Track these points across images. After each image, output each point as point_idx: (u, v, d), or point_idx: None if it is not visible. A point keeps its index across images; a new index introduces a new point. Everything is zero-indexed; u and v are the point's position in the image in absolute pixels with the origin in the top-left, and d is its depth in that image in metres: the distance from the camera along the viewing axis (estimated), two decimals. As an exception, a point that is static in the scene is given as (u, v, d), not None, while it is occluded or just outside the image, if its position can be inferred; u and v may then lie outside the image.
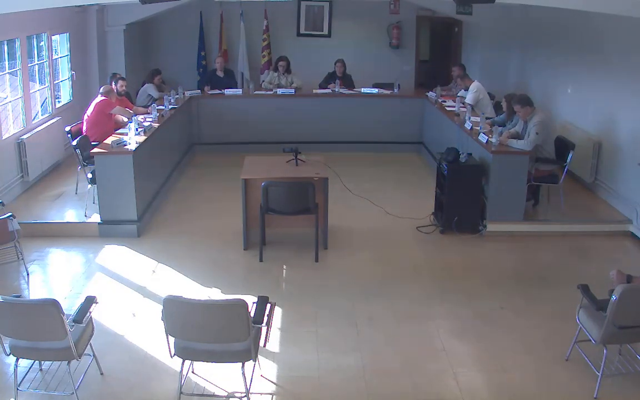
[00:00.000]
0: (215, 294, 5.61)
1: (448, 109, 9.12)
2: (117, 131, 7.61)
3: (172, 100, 9.11)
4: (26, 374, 4.30)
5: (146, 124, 7.71)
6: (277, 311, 5.10)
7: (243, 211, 6.42)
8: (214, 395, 4.27)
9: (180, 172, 9.06)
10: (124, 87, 8.82)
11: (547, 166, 7.26)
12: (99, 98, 7.91)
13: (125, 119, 7.89)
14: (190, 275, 5.95)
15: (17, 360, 4.07)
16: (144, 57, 11.96)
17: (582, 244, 6.79)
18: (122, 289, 5.73)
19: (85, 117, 7.93)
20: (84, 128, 7.88)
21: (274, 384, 4.38)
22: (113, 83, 8.71)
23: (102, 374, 4.40)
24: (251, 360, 4.00)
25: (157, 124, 8.02)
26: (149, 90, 9.85)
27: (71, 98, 9.79)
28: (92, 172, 6.98)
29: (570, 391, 4.31)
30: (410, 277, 6.02)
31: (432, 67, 13.58)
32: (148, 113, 8.40)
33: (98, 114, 7.82)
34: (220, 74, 10.55)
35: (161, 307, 3.82)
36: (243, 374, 3.98)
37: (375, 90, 10.40)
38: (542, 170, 7.18)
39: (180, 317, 3.83)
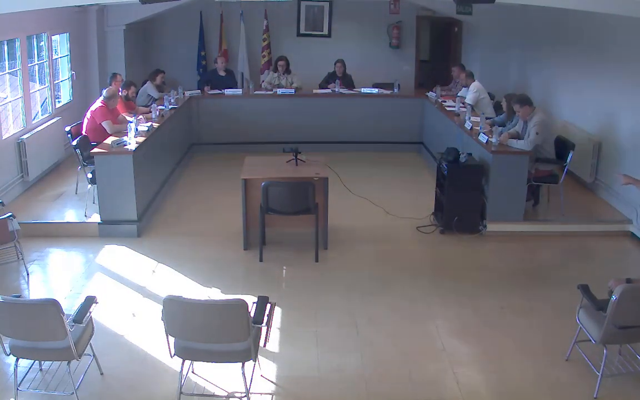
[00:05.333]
0: (215, 294, 5.61)
1: (448, 109, 9.12)
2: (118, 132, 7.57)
3: (172, 100, 9.10)
4: (26, 374, 4.30)
5: (143, 127, 7.56)
6: (277, 311, 5.10)
7: (243, 211, 6.42)
8: (214, 395, 4.27)
9: (180, 172, 9.05)
10: (134, 94, 8.80)
11: (547, 166, 7.25)
12: (97, 103, 7.79)
13: (121, 128, 7.59)
14: (190, 275, 5.94)
15: (17, 360, 4.06)
16: (144, 57, 11.97)
17: (582, 244, 6.80)
18: (122, 289, 5.73)
19: (85, 120, 7.90)
20: (84, 128, 7.86)
21: (274, 384, 4.38)
22: (114, 84, 8.68)
23: (102, 374, 4.40)
24: (251, 360, 4.00)
25: (157, 124, 8.01)
26: (148, 90, 9.85)
27: (71, 98, 9.79)
28: (92, 172, 6.96)
29: (570, 391, 4.31)
30: (410, 277, 6.01)
31: (432, 67, 13.59)
32: (149, 112, 8.38)
33: (93, 121, 7.74)
34: (222, 73, 10.56)
35: (161, 307, 3.82)
36: (243, 374, 3.98)
37: (375, 90, 10.40)
38: (542, 170, 7.18)
39: (180, 317, 3.83)
